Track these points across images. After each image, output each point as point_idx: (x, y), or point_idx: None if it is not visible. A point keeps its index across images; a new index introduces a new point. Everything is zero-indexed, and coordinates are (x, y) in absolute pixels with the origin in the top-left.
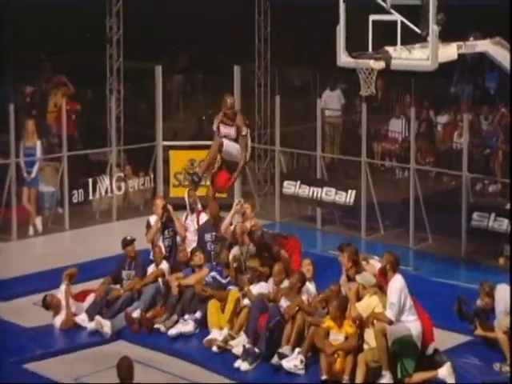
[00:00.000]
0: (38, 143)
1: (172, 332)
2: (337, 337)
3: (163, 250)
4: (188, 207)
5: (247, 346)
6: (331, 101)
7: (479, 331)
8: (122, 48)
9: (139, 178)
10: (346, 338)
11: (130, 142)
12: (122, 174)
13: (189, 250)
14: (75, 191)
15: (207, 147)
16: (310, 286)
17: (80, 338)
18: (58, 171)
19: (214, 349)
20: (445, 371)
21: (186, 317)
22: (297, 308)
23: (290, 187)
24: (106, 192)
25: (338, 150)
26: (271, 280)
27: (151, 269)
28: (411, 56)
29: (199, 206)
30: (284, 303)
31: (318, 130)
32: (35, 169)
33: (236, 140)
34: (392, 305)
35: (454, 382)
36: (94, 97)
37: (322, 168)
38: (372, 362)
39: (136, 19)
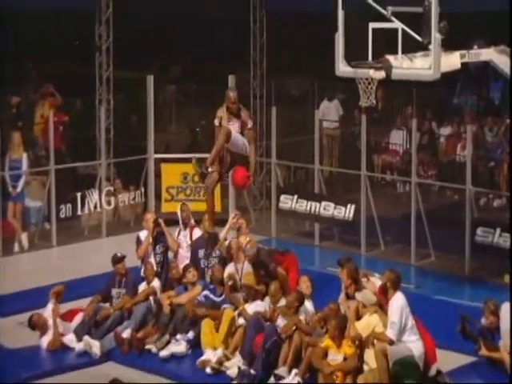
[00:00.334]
0: (24, 156)
1: (164, 353)
2: (335, 357)
3: (154, 266)
4: (181, 222)
5: (242, 367)
6: (329, 112)
7: (484, 351)
8: (112, 57)
9: (130, 192)
10: (345, 358)
11: (120, 154)
12: (111, 188)
13: (181, 266)
14: (63, 206)
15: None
16: (308, 305)
17: (68, 360)
18: (45, 185)
19: (208, 370)
20: None
21: (179, 337)
22: (294, 327)
23: (287, 201)
24: (95, 207)
25: (336, 163)
26: (267, 298)
27: (142, 287)
28: (413, 65)
29: (192, 221)
30: (281, 322)
31: (316, 142)
32: (21, 183)
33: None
34: (393, 324)
35: None
36: (82, 108)
37: (320, 182)
38: None
39: (126, 27)
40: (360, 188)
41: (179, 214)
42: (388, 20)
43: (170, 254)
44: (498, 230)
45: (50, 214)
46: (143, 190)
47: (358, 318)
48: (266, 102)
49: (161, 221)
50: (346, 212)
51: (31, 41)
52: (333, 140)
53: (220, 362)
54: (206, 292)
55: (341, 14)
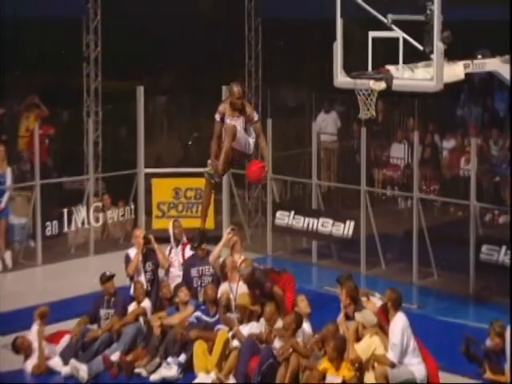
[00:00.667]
0: (8, 170)
1: (154, 377)
2: (334, 380)
3: (144, 284)
4: (172, 239)
5: None
6: (326, 125)
7: (489, 374)
8: (101, 66)
9: (119, 208)
10: (344, 382)
11: (109, 169)
12: (99, 205)
13: (173, 285)
14: (49, 223)
15: (193, 175)
16: (306, 326)
17: None
18: (30, 201)
19: None
20: None
21: (170, 360)
22: (291, 350)
23: (283, 218)
24: (83, 224)
25: (335, 178)
26: (263, 319)
27: (132, 307)
28: (414, 76)
29: (184, 238)
30: (277, 344)
31: (314, 156)
32: (5, 199)
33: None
34: (394, 346)
35: None
36: (69, 120)
37: (317, 197)
38: None
39: (115, 35)
40: (359, 204)
41: (171, 230)
42: (388, 29)
43: (161, 273)
44: (504, 248)
45: (35, 231)
46: (133, 206)
47: (358, 339)
48: (261, 113)
49: (151, 237)
50: (345, 229)
51: (16, 50)
52: (331, 154)
53: None
54: (197, 313)
55: (339, 22)
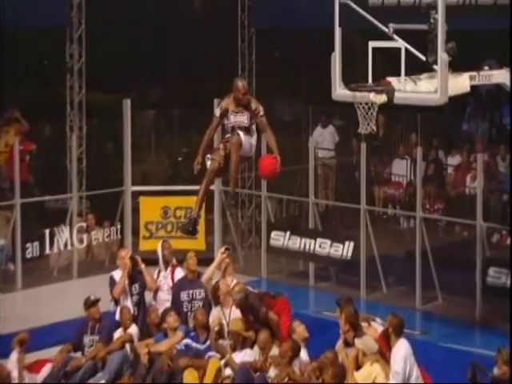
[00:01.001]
0: None
1: None
2: None
3: (131, 308)
4: (161, 261)
5: None
6: (323, 140)
7: None
8: (85, 78)
9: (104, 228)
10: None
11: (94, 187)
12: (84, 225)
13: (161, 310)
14: (29, 244)
15: (183, 193)
16: (303, 353)
17: None
18: (10, 221)
19: None
20: None
21: None
22: (287, 379)
23: (279, 238)
24: (66, 245)
25: (333, 196)
26: (257, 346)
27: (118, 333)
28: (417, 88)
29: (174, 260)
30: (272, 373)
31: (311, 173)
32: None
33: (247, 128)
34: (396, 374)
35: None
36: (51, 135)
37: (315, 216)
38: None
39: (101, 45)
40: (359, 224)
41: (159, 252)
42: (390, 38)
43: (148, 298)
44: None
45: (14, 253)
46: (119, 226)
47: (358, 367)
48: (254, 128)
49: (138, 257)
50: (344, 250)
51: None
52: (329, 170)
53: None
54: (186, 340)
55: (338, 31)
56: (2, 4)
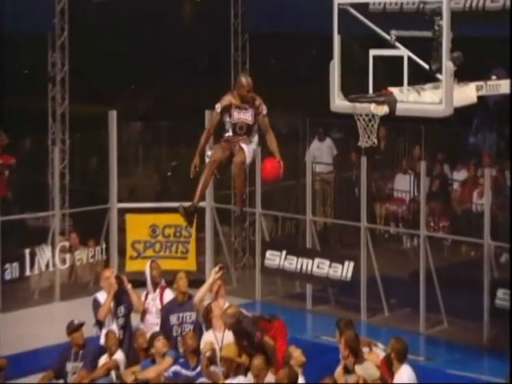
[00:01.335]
0: None
1: None
2: None
3: (117, 332)
4: (149, 283)
5: None
6: (321, 154)
7: None
8: (68, 88)
9: (88, 248)
10: None
11: (77, 204)
12: (66, 244)
13: (149, 334)
14: (8, 265)
15: (172, 210)
16: (300, 380)
17: None
18: None
19: None
20: None
21: None
22: None
23: (274, 258)
24: (47, 266)
25: (331, 213)
26: (251, 373)
27: (103, 359)
28: (421, 99)
29: (163, 281)
30: None
31: (308, 189)
32: None
33: (250, 127)
34: None
35: None
36: (32, 148)
37: (312, 235)
38: None
39: (85, 54)
40: (359, 242)
41: (148, 272)
42: (392, 46)
43: (135, 321)
44: None
45: None
46: (104, 245)
47: None
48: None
49: (124, 277)
50: (344, 271)
51: None
52: (327, 186)
53: None
54: (175, 367)
55: (337, 38)
56: None
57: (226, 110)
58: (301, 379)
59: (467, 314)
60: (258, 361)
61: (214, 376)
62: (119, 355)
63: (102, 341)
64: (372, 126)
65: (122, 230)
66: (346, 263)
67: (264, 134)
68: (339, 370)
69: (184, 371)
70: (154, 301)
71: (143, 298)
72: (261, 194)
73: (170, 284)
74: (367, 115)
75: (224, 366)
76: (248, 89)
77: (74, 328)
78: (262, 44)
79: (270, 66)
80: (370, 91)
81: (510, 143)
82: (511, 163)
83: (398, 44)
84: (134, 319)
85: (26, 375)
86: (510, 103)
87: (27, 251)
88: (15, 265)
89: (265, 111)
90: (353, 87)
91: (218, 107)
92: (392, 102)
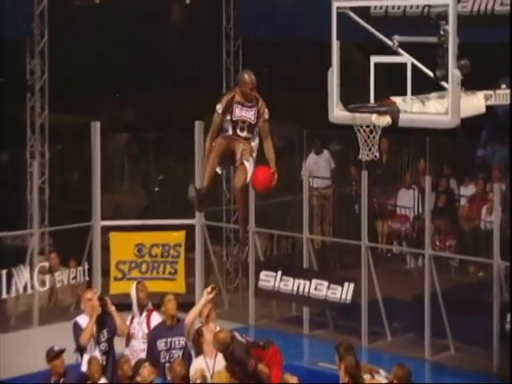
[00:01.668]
0: None
1: None
2: None
3: (99, 358)
4: (135, 305)
5: None
6: (318, 168)
7: None
8: (48, 98)
9: (69, 269)
10: None
11: (58, 221)
12: (46, 265)
13: (134, 361)
14: None
15: (159, 228)
16: None
17: None
18: None
19: None
20: None
21: None
22: None
23: (269, 279)
24: (25, 288)
25: (330, 231)
26: None
27: None
28: (425, 109)
29: (150, 304)
30: None
31: (305, 205)
32: None
33: (252, 127)
34: None
35: None
36: (9, 162)
37: (309, 254)
38: None
39: (66, 61)
40: (360, 263)
41: (133, 294)
42: (394, 53)
43: (120, 346)
44: None
45: None
46: (87, 266)
47: None
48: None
49: (107, 298)
50: (343, 293)
51: None
52: (325, 202)
53: None
54: None
55: (336, 44)
56: None
57: (229, 107)
58: None
59: (475, 340)
60: None
61: None
62: (102, 383)
63: (84, 368)
64: (373, 137)
65: (105, 249)
66: (346, 285)
67: (261, 140)
68: None
69: None
70: (140, 325)
71: (128, 321)
72: (255, 210)
73: (157, 307)
74: (368, 126)
75: None
76: (251, 86)
77: (54, 355)
78: (256, 50)
79: (265, 74)
80: (371, 101)
81: (509, 154)
82: (511, 175)
83: (400, 50)
84: (119, 344)
85: None
86: (510, 111)
87: (4, 272)
88: None
89: (267, 115)
90: (353, 96)
91: (220, 108)
92: (395, 113)
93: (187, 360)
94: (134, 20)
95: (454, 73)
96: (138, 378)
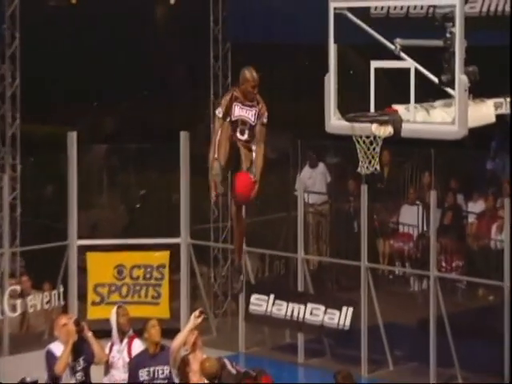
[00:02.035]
0: None
1: None
2: None
3: None
4: (115, 332)
5: None
6: (314, 182)
7: None
8: (19, 106)
9: (43, 292)
10: None
11: (30, 240)
12: (17, 288)
13: None
14: None
15: (141, 247)
16: None
17: None
18: None
19: None
20: None
21: None
22: None
23: (260, 303)
24: None
25: (327, 251)
26: None
27: None
28: (430, 118)
29: (131, 330)
30: None
31: (300, 222)
32: None
33: (251, 130)
34: None
35: None
36: None
37: (305, 276)
38: None
39: (40, 65)
40: (359, 285)
41: (113, 320)
42: (397, 57)
43: (98, 375)
44: None
45: None
46: (62, 289)
47: None
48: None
49: (83, 323)
50: (341, 318)
51: None
52: (322, 219)
53: None
54: None
55: (333, 48)
56: None
57: (229, 108)
58: None
59: (485, 369)
60: None
61: None
62: None
63: None
64: (374, 149)
65: (82, 270)
66: (344, 309)
67: (255, 144)
68: None
69: None
70: (120, 353)
71: (107, 349)
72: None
73: (139, 334)
74: (368, 137)
75: None
76: (253, 84)
77: None
78: (246, 54)
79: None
80: (372, 109)
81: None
82: (511, 190)
83: (403, 54)
84: (97, 374)
85: None
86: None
87: None
88: None
89: (265, 118)
90: (351, 104)
91: (220, 112)
92: (397, 122)
93: None
94: (114, 22)
95: (461, 79)
96: None
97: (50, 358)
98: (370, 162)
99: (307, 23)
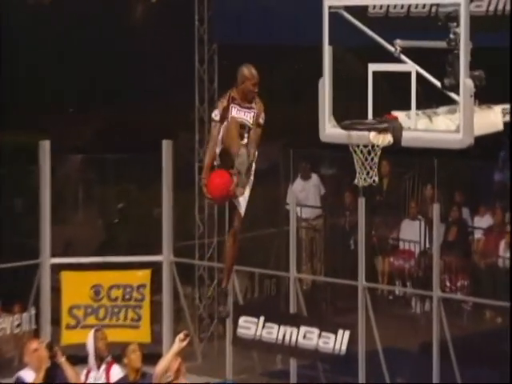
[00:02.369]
0: None
1: None
2: None
3: None
4: (92, 357)
5: None
6: (306, 195)
7: None
8: None
9: (13, 315)
10: None
11: None
12: None
13: None
14: None
15: (120, 266)
16: None
17: None
18: None
19: None
20: None
21: None
22: None
23: (249, 326)
24: None
25: (321, 269)
26: None
27: None
28: (433, 126)
29: (109, 356)
30: None
31: (292, 238)
32: None
33: (249, 132)
34: None
35: None
36: None
37: (297, 297)
38: None
39: (10, 69)
40: (357, 306)
41: (90, 344)
42: (396, 60)
43: None
44: None
45: None
46: (33, 311)
47: None
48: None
49: (56, 348)
50: (337, 342)
51: None
52: (315, 235)
53: None
54: None
55: (328, 50)
56: None
57: (227, 111)
58: None
59: None
60: None
61: None
62: None
63: None
64: (372, 159)
65: (56, 291)
66: (340, 332)
67: (248, 144)
68: None
69: None
70: (97, 380)
71: (83, 376)
72: None
73: (118, 359)
74: (366, 146)
75: None
76: (254, 82)
77: None
78: (234, 56)
79: None
80: (370, 116)
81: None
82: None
83: (403, 57)
84: None
85: None
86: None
87: None
88: None
89: (262, 120)
90: (348, 111)
91: (216, 114)
92: (397, 130)
93: None
94: (91, 22)
95: (466, 83)
96: None
97: None
98: (367, 174)
99: (300, 23)
